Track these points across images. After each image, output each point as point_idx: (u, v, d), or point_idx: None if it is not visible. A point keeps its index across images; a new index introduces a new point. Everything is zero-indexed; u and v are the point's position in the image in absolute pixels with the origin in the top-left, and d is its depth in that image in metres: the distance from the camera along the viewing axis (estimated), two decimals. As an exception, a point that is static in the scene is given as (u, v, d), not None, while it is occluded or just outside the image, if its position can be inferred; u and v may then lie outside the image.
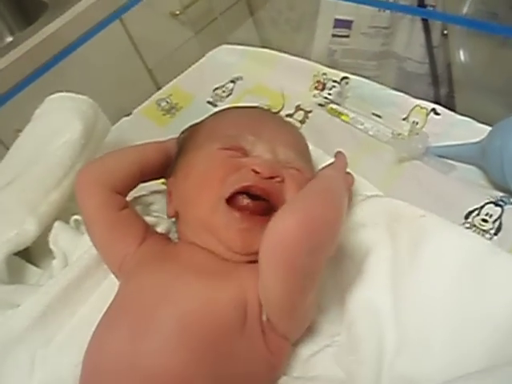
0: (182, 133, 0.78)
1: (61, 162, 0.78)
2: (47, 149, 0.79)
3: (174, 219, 0.74)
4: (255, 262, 0.56)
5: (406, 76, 1.46)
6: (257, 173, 0.63)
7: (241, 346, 0.57)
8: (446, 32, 1.56)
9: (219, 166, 0.64)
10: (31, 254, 0.80)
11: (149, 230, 0.71)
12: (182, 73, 1.17)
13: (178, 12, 1.59)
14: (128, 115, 1.08)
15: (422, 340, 0.59)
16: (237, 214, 0.62)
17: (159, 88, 1.17)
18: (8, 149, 0.83)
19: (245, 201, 0.63)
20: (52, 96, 0.84)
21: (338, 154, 0.72)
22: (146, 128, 1.05)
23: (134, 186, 0.74)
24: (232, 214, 0.62)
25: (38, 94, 0.86)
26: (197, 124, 0.78)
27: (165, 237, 0.73)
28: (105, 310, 0.63)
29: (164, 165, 0.75)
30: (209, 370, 0.54)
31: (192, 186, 0.65)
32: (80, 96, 0.83)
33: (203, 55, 1.20)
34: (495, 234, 0.69)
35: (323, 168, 0.67)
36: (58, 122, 0.81)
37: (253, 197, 0.63)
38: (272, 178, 0.64)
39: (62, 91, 0.84)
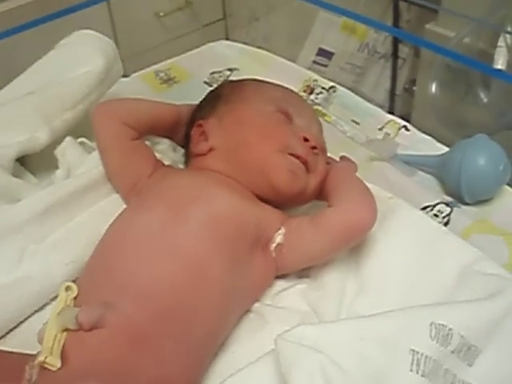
0: (220, 85, 0.88)
1: (80, 88, 0.84)
2: (69, 73, 0.85)
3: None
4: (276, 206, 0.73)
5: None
6: (306, 140, 0.74)
7: (247, 258, 0.67)
8: (407, 86, 1.75)
9: (277, 126, 0.75)
10: (31, 165, 0.84)
11: (159, 161, 0.80)
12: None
13: (162, 14, 1.70)
14: (126, 77, 1.15)
15: (379, 290, 0.70)
16: (296, 159, 0.73)
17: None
18: None
19: None
20: (79, 31, 0.91)
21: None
22: (143, 91, 1.11)
23: (143, 135, 0.81)
24: (292, 158, 0.73)
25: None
26: (235, 81, 0.88)
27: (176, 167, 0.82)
28: (103, 221, 0.70)
29: (174, 126, 0.84)
30: (224, 263, 0.63)
31: (251, 132, 0.74)
32: (105, 37, 0.91)
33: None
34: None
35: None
36: (83, 54, 0.88)
37: None
38: (314, 148, 0.75)
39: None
